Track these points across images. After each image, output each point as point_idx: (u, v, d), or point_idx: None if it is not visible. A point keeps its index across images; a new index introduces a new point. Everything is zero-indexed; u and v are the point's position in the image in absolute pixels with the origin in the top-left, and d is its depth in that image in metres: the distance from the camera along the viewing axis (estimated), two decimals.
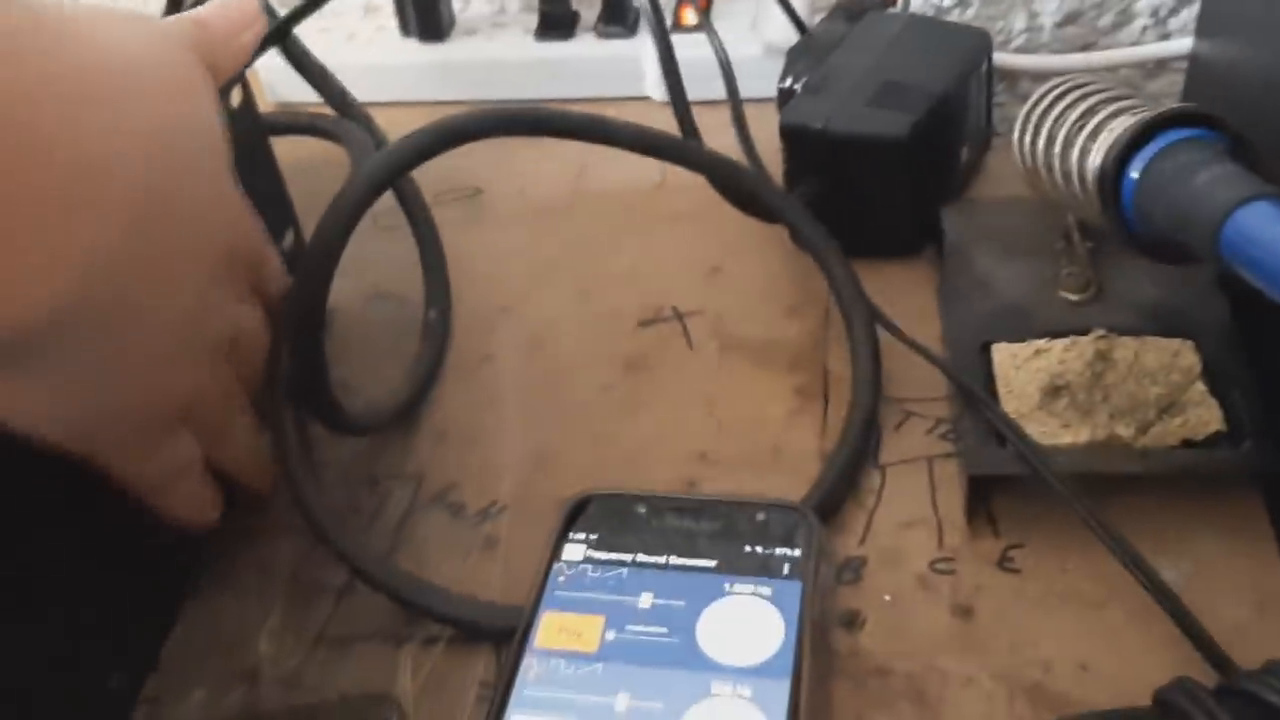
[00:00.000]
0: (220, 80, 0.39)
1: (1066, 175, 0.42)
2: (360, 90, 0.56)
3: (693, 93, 0.52)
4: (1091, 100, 0.42)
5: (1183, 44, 0.60)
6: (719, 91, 0.55)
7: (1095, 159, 0.40)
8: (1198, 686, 0.31)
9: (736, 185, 0.50)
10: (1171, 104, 0.39)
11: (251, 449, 0.42)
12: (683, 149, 0.48)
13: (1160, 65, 0.63)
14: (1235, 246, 0.32)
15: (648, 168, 0.55)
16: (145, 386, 0.36)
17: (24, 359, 0.31)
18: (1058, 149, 0.43)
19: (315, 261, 0.40)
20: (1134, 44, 0.63)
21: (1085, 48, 0.63)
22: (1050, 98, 0.44)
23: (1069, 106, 0.43)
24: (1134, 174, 0.38)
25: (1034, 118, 0.44)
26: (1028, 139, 0.45)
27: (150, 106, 0.34)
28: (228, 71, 0.40)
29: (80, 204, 0.31)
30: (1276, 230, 0.32)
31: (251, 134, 0.48)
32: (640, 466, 0.45)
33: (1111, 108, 0.41)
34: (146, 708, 0.39)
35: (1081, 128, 0.41)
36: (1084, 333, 0.43)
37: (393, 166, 0.41)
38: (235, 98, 0.46)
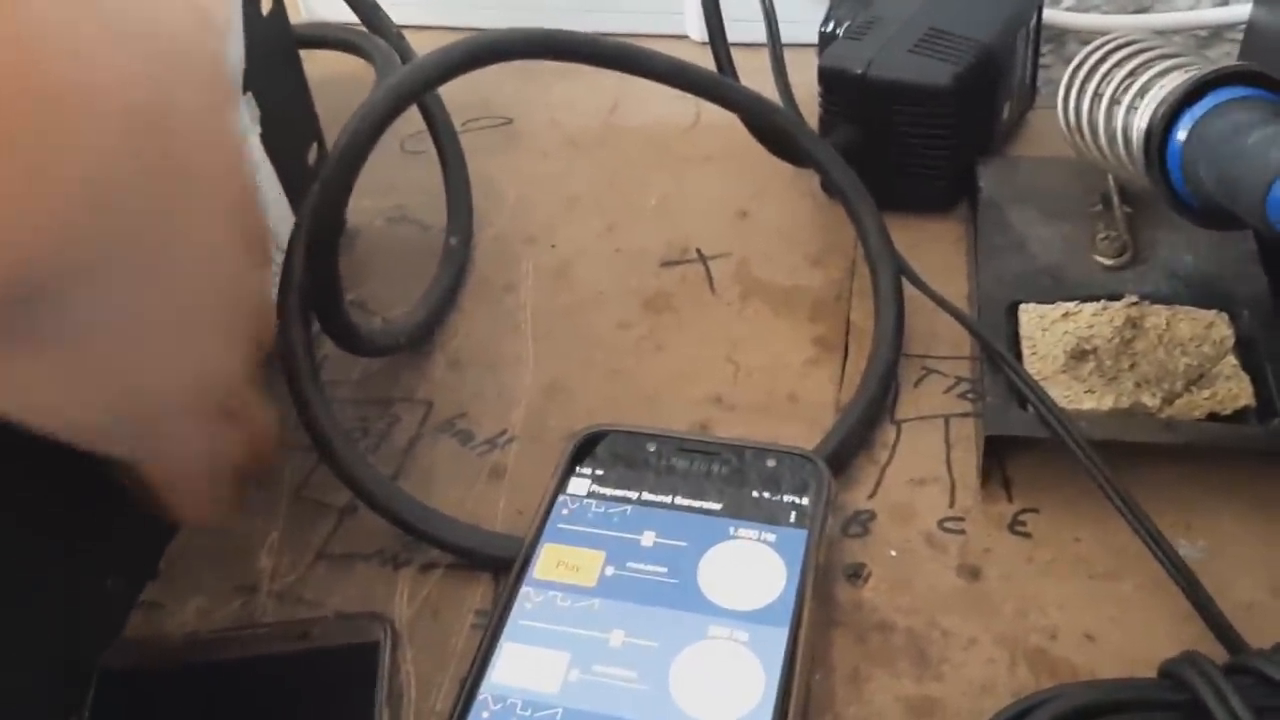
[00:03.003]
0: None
1: (1111, 134, 0.41)
2: (395, 13, 0.55)
3: (732, 35, 0.51)
4: (1142, 57, 0.40)
5: (1240, 10, 0.58)
6: (759, 35, 0.54)
7: (1143, 116, 0.38)
8: (1206, 661, 0.30)
9: (770, 125, 0.49)
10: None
11: (264, 430, 0.38)
12: (717, 84, 0.47)
13: (1215, 33, 0.61)
14: None
15: (681, 106, 0.55)
16: (174, 366, 0.32)
17: (24, 323, 0.27)
18: (1104, 106, 0.41)
19: (335, 170, 0.39)
20: (1190, 9, 0.61)
21: (1139, 10, 0.62)
22: (1099, 54, 0.43)
23: (1118, 63, 0.41)
24: (1182, 132, 0.36)
25: (1081, 73, 0.43)
26: (1073, 95, 0.43)
27: (146, 21, 0.28)
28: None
29: (71, 134, 0.26)
30: None
31: (281, 44, 0.47)
32: (655, 406, 0.45)
33: (1162, 65, 0.39)
34: (145, 612, 0.39)
35: (1129, 84, 0.40)
36: (1116, 298, 0.42)
37: (419, 79, 0.40)
38: (266, 5, 0.45)
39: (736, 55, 0.51)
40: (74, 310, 0.27)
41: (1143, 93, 0.39)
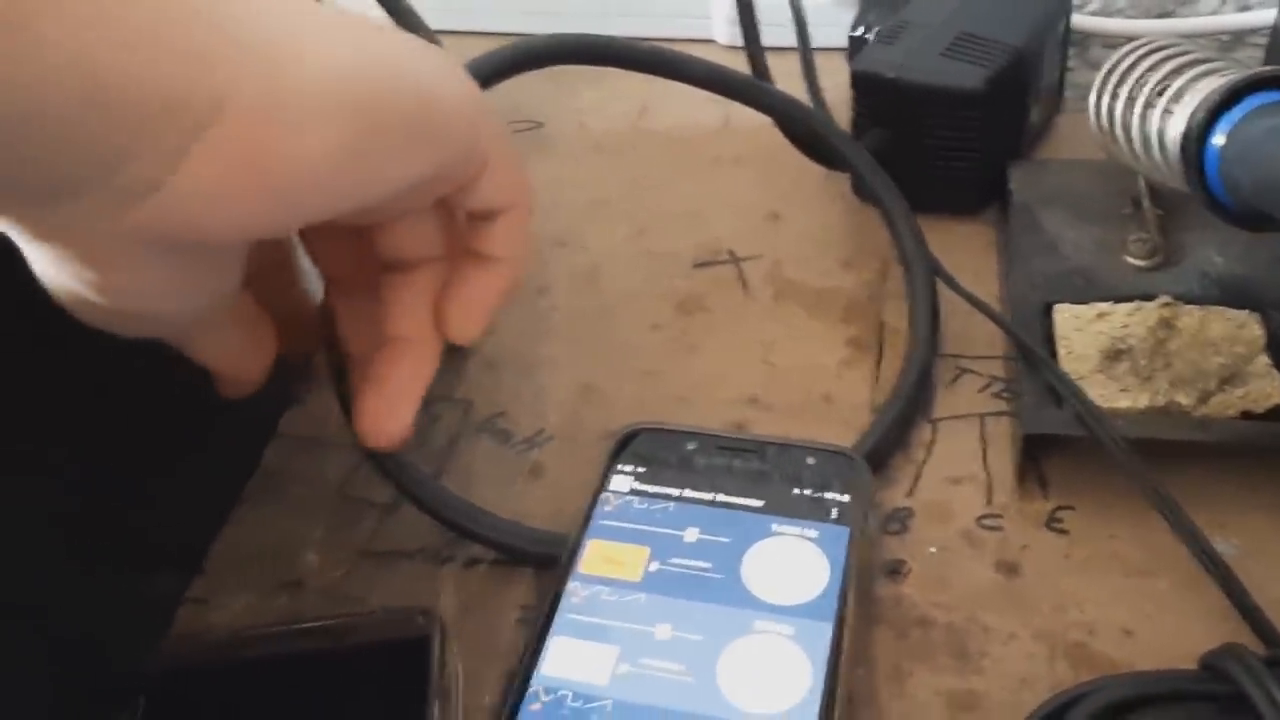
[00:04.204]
0: None
1: (1145, 137, 0.41)
2: (431, 19, 0.55)
3: (762, 38, 0.52)
4: (1176, 62, 0.41)
5: (1264, 15, 0.58)
6: (788, 39, 0.54)
7: (1179, 121, 0.39)
8: (1249, 653, 0.31)
9: (804, 127, 0.49)
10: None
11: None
12: (753, 87, 0.48)
13: (1238, 37, 0.62)
14: None
15: (709, 109, 0.55)
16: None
17: None
18: (1137, 110, 0.42)
19: None
20: (1213, 13, 0.61)
21: (1162, 15, 0.62)
22: (1132, 58, 0.43)
23: (1151, 68, 0.42)
24: (1220, 137, 0.37)
25: (1114, 78, 0.44)
26: (1105, 99, 0.44)
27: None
28: None
29: None
30: None
31: None
32: (689, 406, 0.45)
33: (1197, 69, 0.40)
34: (192, 608, 0.40)
35: (1164, 89, 0.41)
36: (1149, 299, 0.42)
37: None
38: None
39: (770, 58, 0.52)
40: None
41: (1178, 97, 0.40)
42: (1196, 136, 0.37)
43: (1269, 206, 0.34)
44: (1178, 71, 0.40)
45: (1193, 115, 0.37)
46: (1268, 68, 0.36)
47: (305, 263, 0.39)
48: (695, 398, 0.46)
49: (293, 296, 0.39)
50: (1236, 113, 0.36)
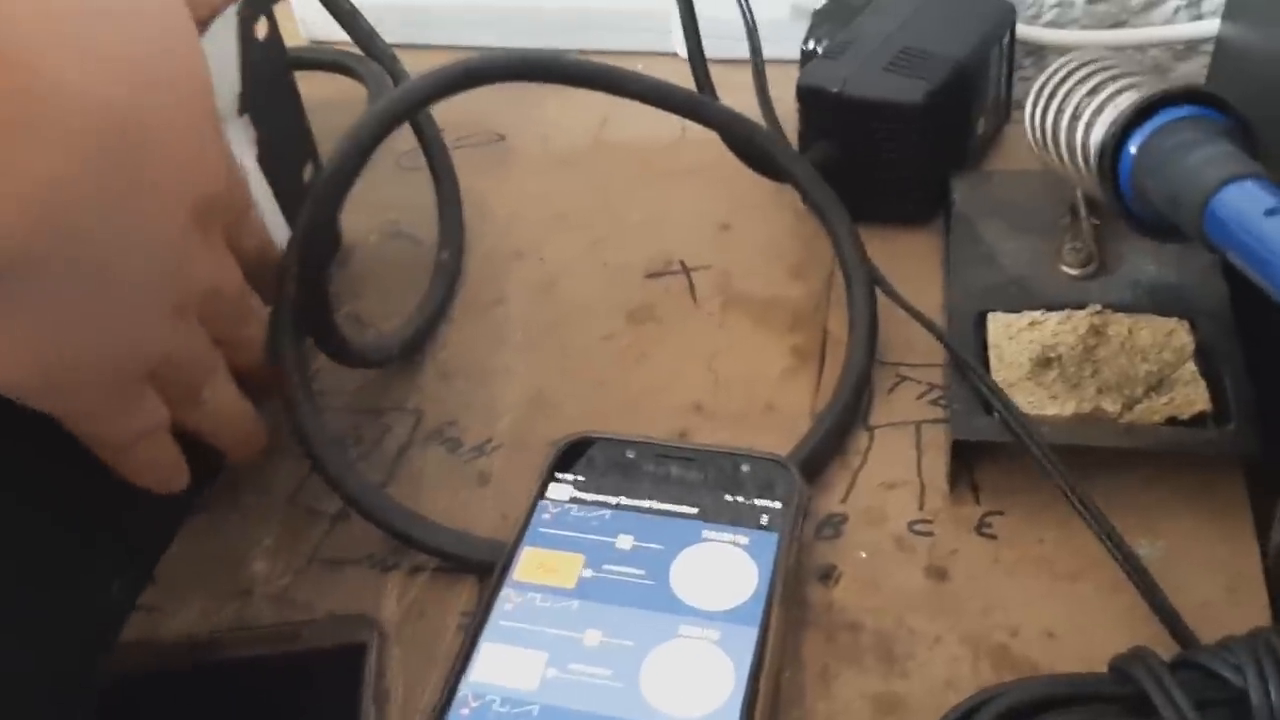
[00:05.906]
0: (202, 14, 0.37)
1: (1072, 148, 0.42)
2: (390, 33, 0.57)
3: (721, 51, 0.53)
4: (1103, 75, 0.42)
5: (1213, 25, 0.59)
6: (747, 51, 0.55)
7: (1098, 133, 0.40)
8: (1153, 657, 0.32)
9: (749, 143, 0.50)
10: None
11: (228, 415, 0.41)
12: (696, 104, 0.49)
13: (1190, 47, 0.62)
14: (1219, 225, 0.33)
15: (668, 122, 0.56)
16: (115, 339, 0.34)
17: None
18: (1065, 122, 0.43)
19: (325, 189, 0.40)
20: (1165, 23, 0.62)
21: (1116, 25, 0.63)
22: (1064, 71, 0.44)
23: (1081, 80, 0.43)
24: (1132, 149, 0.38)
25: (1046, 90, 0.44)
26: (1039, 111, 0.45)
27: (125, 33, 0.31)
28: (211, 5, 0.39)
29: (39, 131, 0.28)
30: (1257, 209, 0.32)
31: (276, 67, 0.49)
32: (636, 414, 0.46)
33: (1121, 83, 0.41)
34: (143, 616, 0.41)
35: (1090, 102, 0.41)
36: (1081, 307, 0.43)
37: (408, 101, 0.42)
38: (262, 30, 0.47)
39: (727, 70, 0.53)
40: (24, 291, 0.30)
41: (1100, 110, 0.40)
42: (1112, 149, 0.38)
43: (1175, 217, 0.35)
44: (1103, 85, 0.41)
45: (1109, 128, 0.38)
46: (1180, 84, 0.37)
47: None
48: (641, 406, 0.47)
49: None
50: (1149, 126, 0.37)
